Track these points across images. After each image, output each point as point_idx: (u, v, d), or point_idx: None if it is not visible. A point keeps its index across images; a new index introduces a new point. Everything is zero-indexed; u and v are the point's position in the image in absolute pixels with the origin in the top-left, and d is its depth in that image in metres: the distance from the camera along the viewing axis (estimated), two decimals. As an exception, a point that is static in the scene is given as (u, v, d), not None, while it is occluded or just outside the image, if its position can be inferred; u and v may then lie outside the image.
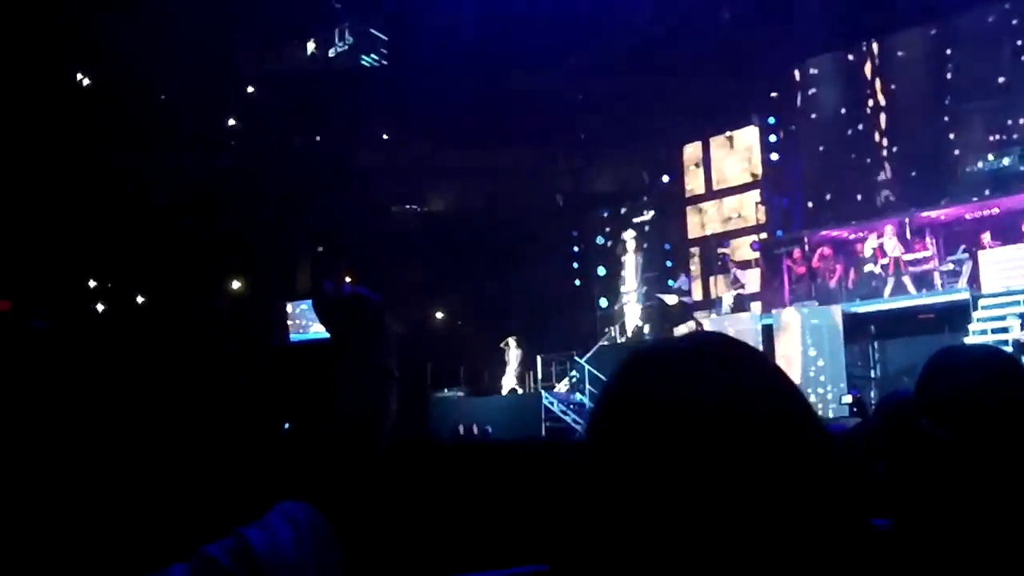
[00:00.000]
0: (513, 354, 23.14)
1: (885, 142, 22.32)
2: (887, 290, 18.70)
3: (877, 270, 18.87)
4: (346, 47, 30.45)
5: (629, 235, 25.68)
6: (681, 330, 22.59)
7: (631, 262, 25.45)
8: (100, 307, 26.30)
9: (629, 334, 24.10)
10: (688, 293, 23.99)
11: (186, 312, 24.80)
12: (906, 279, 18.61)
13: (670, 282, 24.05)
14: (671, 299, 23.38)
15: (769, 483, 0.95)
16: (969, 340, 15.59)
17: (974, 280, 17.41)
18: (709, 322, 21.36)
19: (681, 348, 1.08)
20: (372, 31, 30.25)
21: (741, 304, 21.77)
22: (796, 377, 17.14)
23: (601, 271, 27.31)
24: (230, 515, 1.43)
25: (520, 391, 23.07)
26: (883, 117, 22.41)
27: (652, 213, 27.08)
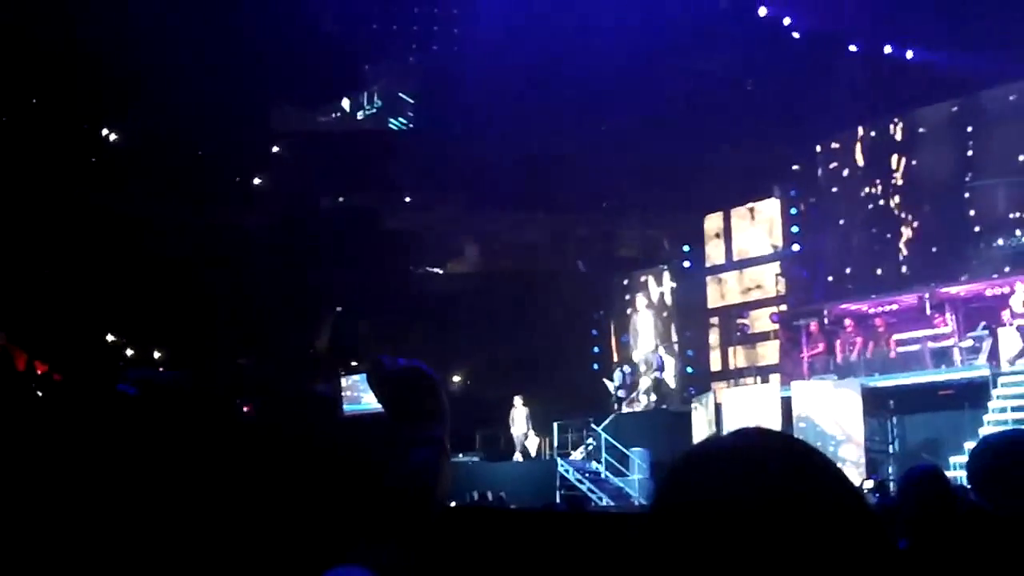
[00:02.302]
0: (519, 412, 22.99)
1: (906, 217, 22.37)
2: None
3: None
4: (374, 110, 30.85)
5: (641, 306, 25.72)
6: None
7: (648, 330, 25.44)
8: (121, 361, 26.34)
9: (647, 402, 24.03)
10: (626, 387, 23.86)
11: (207, 368, 24.83)
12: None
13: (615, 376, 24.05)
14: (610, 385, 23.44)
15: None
16: (989, 417, 15.52)
17: (994, 356, 17.31)
18: (730, 393, 21.29)
19: (729, 449, 1.11)
20: (400, 94, 30.65)
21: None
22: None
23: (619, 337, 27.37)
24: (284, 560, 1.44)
25: (528, 449, 22.91)
26: (904, 192, 22.49)
27: (672, 282, 27.15)
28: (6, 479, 1.22)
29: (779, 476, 1.04)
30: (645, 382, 24.18)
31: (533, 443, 23.06)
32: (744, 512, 1.00)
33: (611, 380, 23.44)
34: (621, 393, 22.93)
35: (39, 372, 22.75)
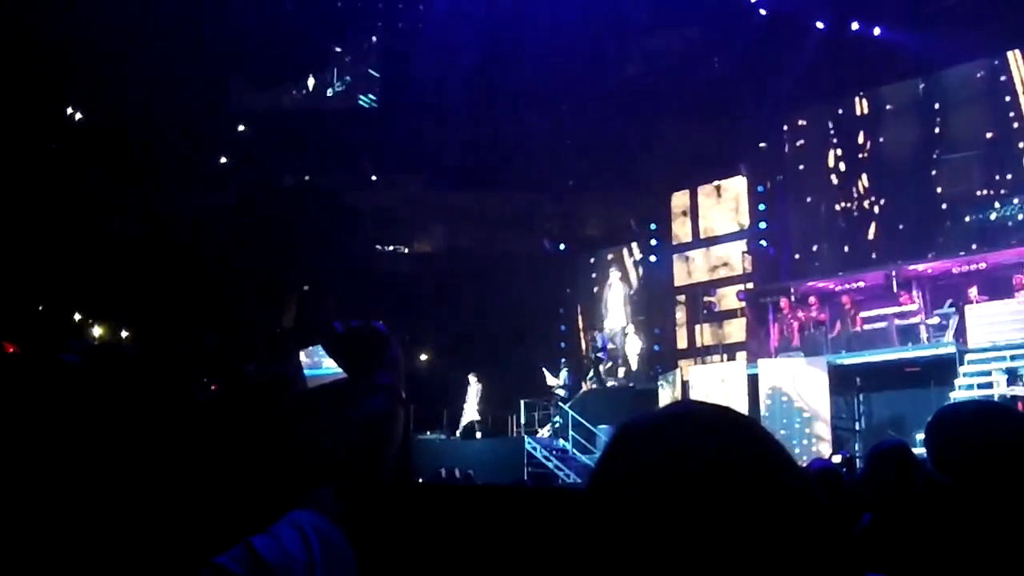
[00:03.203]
0: (473, 390, 22.91)
1: (873, 194, 22.40)
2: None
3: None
4: (343, 87, 30.51)
5: (614, 280, 25.65)
6: None
7: (616, 308, 25.39)
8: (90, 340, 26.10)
9: (614, 379, 24.00)
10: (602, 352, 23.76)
11: (173, 347, 24.65)
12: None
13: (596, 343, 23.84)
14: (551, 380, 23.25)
15: (756, 543, 0.99)
16: (955, 395, 15.56)
17: (960, 334, 17.35)
18: (697, 371, 21.29)
19: (662, 422, 1.12)
20: (370, 71, 30.33)
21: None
22: (780, 428, 17.09)
23: (584, 315, 27.30)
24: (236, 529, 1.45)
25: (474, 426, 22.82)
26: (871, 169, 22.51)
27: (639, 260, 27.13)
28: None
29: (710, 446, 1.05)
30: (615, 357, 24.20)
31: (475, 420, 22.89)
32: (675, 483, 1.02)
33: (554, 375, 23.12)
34: (563, 392, 22.76)
35: (7, 352, 22.51)
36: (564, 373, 23.00)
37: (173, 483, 1.28)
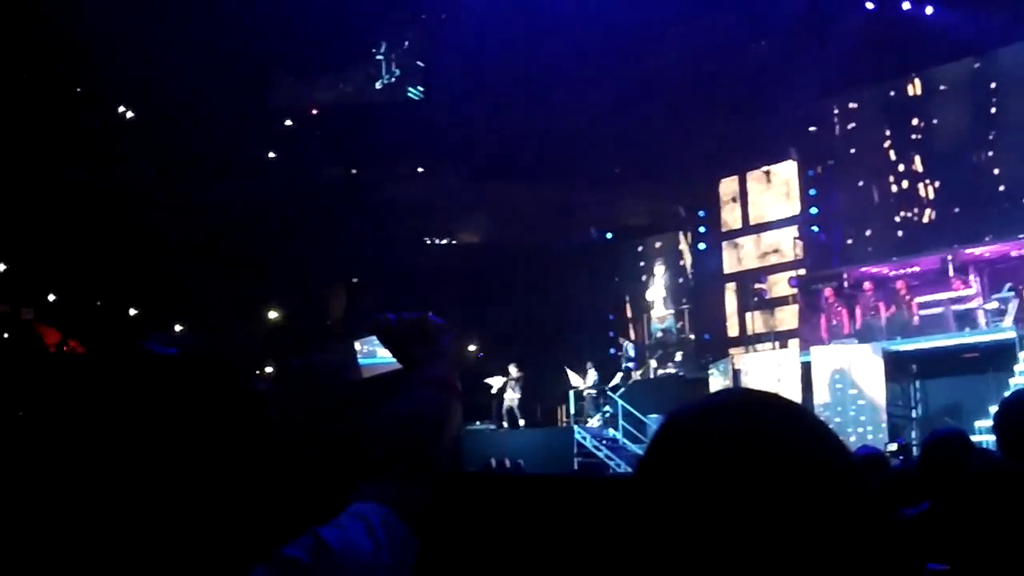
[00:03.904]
0: (512, 379, 22.74)
1: (927, 177, 22.00)
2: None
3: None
4: (392, 79, 30.54)
5: (662, 268, 25.44)
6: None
7: (665, 297, 25.18)
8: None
9: (662, 369, 23.84)
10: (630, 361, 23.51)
11: (225, 341, 24.95)
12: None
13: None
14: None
15: (806, 533, 0.96)
16: (1014, 380, 15.23)
17: (1020, 319, 16.98)
18: (748, 359, 21.05)
19: (711, 409, 1.11)
20: (418, 63, 30.33)
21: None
22: (835, 416, 16.83)
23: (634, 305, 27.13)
24: (298, 519, 1.45)
25: (518, 413, 22.66)
26: (925, 152, 22.11)
27: (688, 248, 26.91)
28: (42, 453, 1.22)
29: (758, 434, 1.04)
30: (664, 347, 24.03)
31: (519, 410, 22.74)
32: (723, 471, 1.00)
33: (580, 375, 22.98)
34: (631, 365, 22.61)
35: (70, 348, 22.93)
36: (591, 372, 22.82)
37: (240, 474, 1.29)
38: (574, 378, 22.87)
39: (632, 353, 23.12)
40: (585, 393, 22.60)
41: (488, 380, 22.80)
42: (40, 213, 24.12)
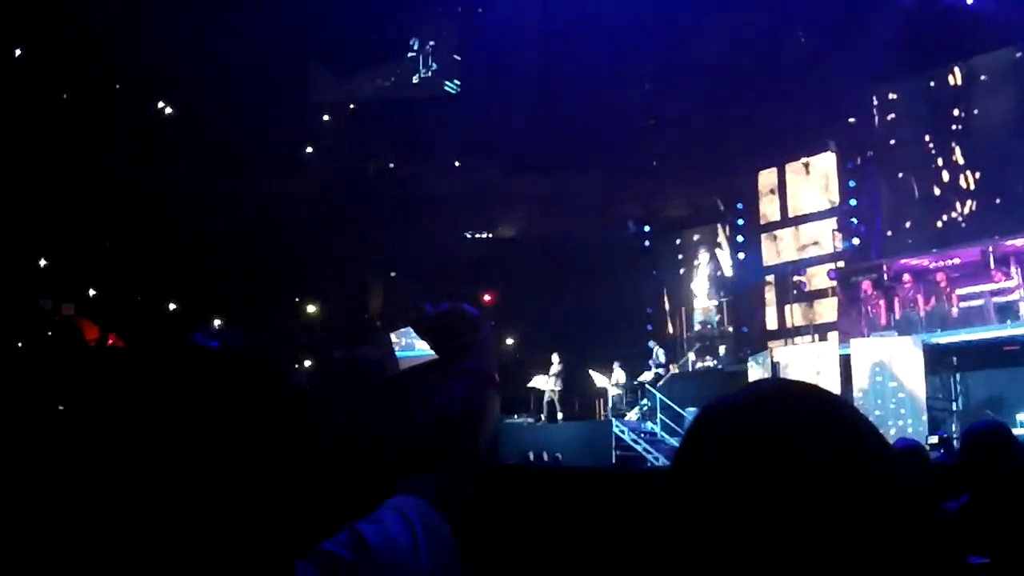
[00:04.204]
0: (553, 369, 22.64)
1: (968, 168, 21.77)
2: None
3: None
4: (429, 73, 30.65)
5: (700, 261, 25.35)
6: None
7: (703, 290, 25.10)
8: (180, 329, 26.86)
9: (701, 362, 23.78)
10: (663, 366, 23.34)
11: (263, 335, 25.12)
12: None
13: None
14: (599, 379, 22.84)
15: (845, 525, 0.95)
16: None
17: (1063, 311, 16.82)
18: (787, 352, 20.96)
19: (746, 400, 1.09)
20: (455, 57, 30.40)
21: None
22: (875, 409, 16.74)
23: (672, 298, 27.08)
24: (337, 513, 1.47)
25: (557, 406, 22.59)
26: (965, 142, 21.87)
27: (726, 240, 26.80)
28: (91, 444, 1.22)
29: (795, 424, 1.02)
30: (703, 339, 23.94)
31: (552, 398, 22.60)
32: (759, 463, 0.99)
33: (606, 375, 22.84)
34: (660, 371, 22.53)
35: (111, 343, 23.22)
36: (617, 371, 22.73)
37: (281, 467, 1.27)
38: (599, 378, 22.80)
39: (662, 359, 23.00)
40: (611, 391, 22.52)
41: (532, 383, 22.73)
42: (80, 209, 24.39)
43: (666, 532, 1.04)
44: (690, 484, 1.04)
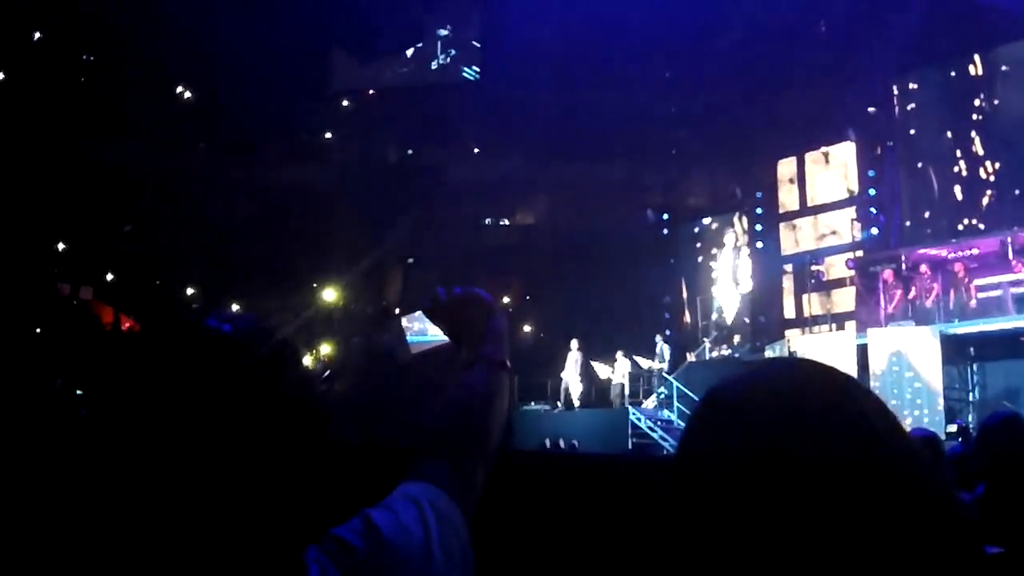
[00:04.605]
0: (573, 356, 22.57)
1: (988, 158, 21.67)
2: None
3: None
4: (448, 59, 30.62)
5: (719, 250, 25.32)
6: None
7: (722, 278, 25.08)
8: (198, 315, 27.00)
9: (718, 351, 23.77)
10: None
11: (280, 320, 25.22)
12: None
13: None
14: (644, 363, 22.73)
15: (857, 510, 0.91)
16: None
17: (1081, 302, 16.77)
18: (804, 341, 20.96)
19: (754, 380, 1.07)
20: (473, 43, 30.34)
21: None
22: (891, 398, 16.74)
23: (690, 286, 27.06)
24: (348, 499, 1.49)
25: (572, 396, 22.51)
26: (986, 133, 21.77)
27: (744, 229, 26.75)
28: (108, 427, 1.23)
29: (804, 404, 0.99)
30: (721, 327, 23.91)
31: (576, 390, 22.51)
32: (768, 445, 0.96)
33: (609, 365, 22.70)
34: (664, 366, 22.47)
35: (125, 325, 23.41)
36: (622, 361, 22.65)
37: (294, 452, 1.27)
38: (602, 370, 22.75)
39: (667, 355, 22.93)
40: (615, 380, 22.41)
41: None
42: (98, 194, 24.50)
43: (675, 517, 1.01)
44: (699, 467, 1.01)
